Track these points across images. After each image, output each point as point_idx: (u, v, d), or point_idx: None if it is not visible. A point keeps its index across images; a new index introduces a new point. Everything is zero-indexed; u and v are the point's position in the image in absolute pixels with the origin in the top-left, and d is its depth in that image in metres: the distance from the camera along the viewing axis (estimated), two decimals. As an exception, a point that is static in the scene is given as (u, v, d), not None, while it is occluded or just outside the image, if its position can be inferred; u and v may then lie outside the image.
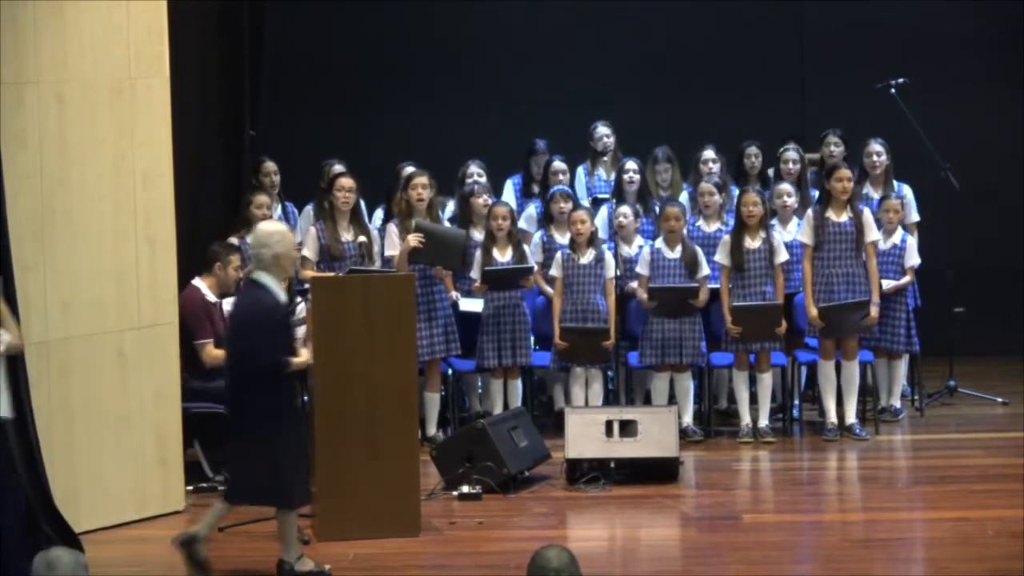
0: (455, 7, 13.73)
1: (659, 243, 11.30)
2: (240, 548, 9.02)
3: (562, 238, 11.44)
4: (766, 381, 11.27)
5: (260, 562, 8.77)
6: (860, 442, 11.15)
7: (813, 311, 11.10)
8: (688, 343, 11.21)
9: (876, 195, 11.76)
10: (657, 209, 11.58)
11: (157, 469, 9.58)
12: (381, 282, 9.53)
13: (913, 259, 11.48)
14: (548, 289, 11.41)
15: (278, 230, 8.52)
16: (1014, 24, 13.50)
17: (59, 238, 9.15)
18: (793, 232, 11.46)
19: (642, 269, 11.27)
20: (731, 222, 11.45)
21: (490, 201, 11.52)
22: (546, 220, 11.66)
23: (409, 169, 11.47)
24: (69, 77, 9.19)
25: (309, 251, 11.07)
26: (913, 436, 11.42)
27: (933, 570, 8.68)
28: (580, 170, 12.31)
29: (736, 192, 11.60)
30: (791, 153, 11.97)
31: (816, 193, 11.70)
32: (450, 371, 11.47)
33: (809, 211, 11.29)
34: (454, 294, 11.35)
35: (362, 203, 11.41)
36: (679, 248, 11.25)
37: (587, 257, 11.25)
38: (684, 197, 11.94)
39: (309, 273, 10.80)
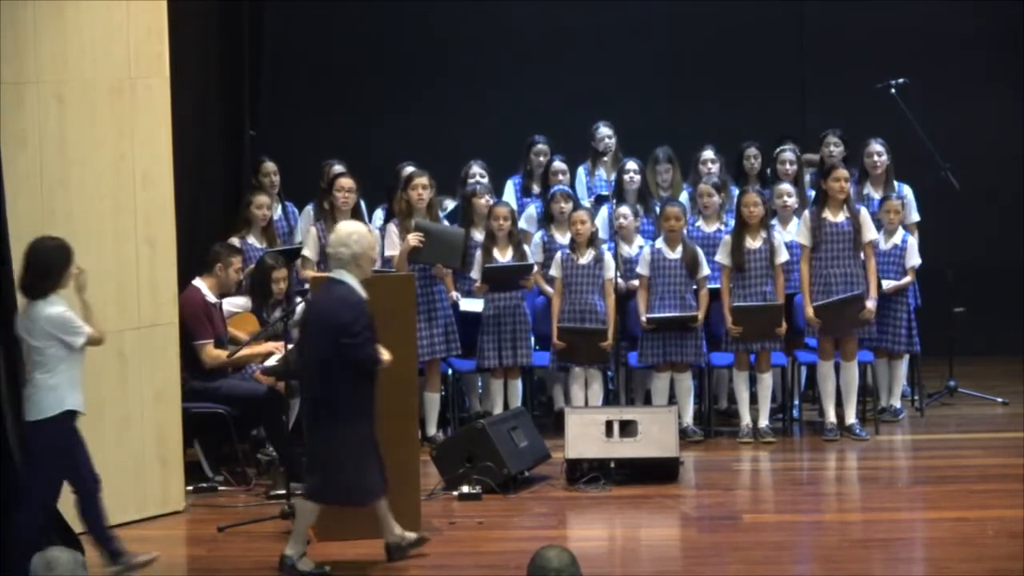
0: (455, 7, 13.73)
1: (659, 243, 11.30)
2: (240, 548, 9.03)
3: (563, 238, 11.44)
4: (766, 381, 11.27)
5: (260, 562, 8.78)
6: (860, 442, 11.15)
7: (810, 311, 11.11)
8: (688, 343, 11.21)
9: (877, 195, 11.76)
10: (657, 209, 11.58)
11: (157, 469, 9.57)
12: (381, 282, 9.51)
13: (914, 259, 11.48)
14: (548, 289, 11.41)
15: (357, 230, 8.58)
16: (1014, 24, 13.50)
17: (59, 238, 9.15)
18: (793, 232, 11.45)
19: (642, 269, 11.27)
20: (731, 222, 11.45)
21: (491, 201, 11.52)
22: (547, 220, 11.66)
23: (409, 169, 11.48)
24: (69, 77, 9.18)
25: (309, 251, 11.07)
26: (913, 436, 11.42)
27: (933, 570, 8.68)
28: (580, 170, 12.31)
29: (736, 192, 11.60)
30: (788, 154, 11.97)
31: (812, 193, 11.71)
32: (450, 371, 11.47)
33: (806, 212, 11.28)
34: (454, 294, 11.35)
35: (362, 203, 11.42)
36: (679, 248, 11.25)
37: (586, 257, 11.24)
38: (684, 197, 11.94)
39: (309, 273, 10.80)
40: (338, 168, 11.51)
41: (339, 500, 8.55)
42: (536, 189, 12.16)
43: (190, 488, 9.97)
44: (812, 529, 9.46)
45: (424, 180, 11.15)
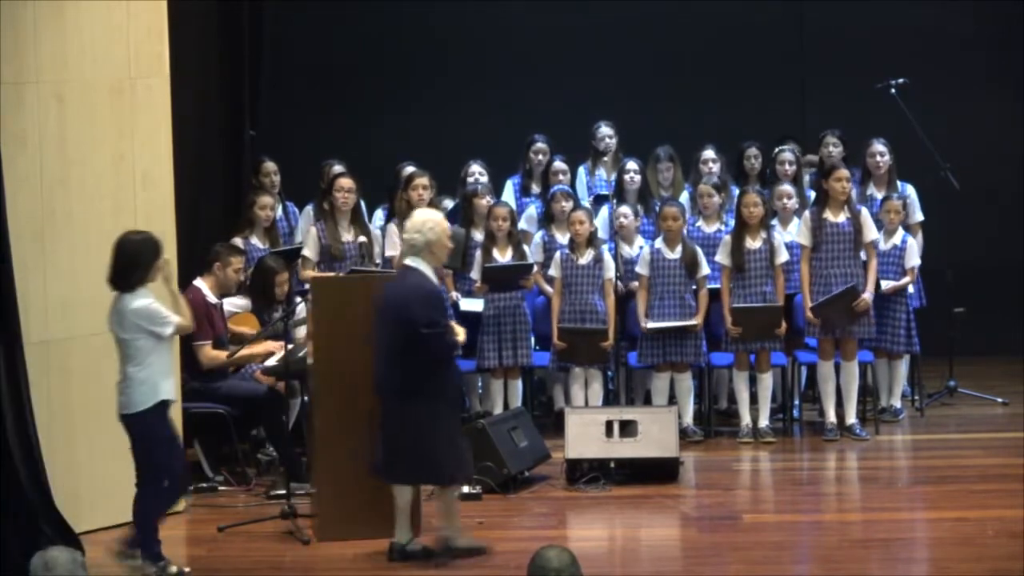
0: (455, 7, 13.73)
1: (659, 243, 11.30)
2: (240, 548, 9.03)
3: (563, 238, 11.44)
4: (766, 381, 11.27)
5: (260, 562, 8.79)
6: (860, 442, 11.15)
7: (810, 313, 11.11)
8: (688, 343, 11.21)
9: (879, 195, 11.75)
10: (657, 209, 11.58)
11: (157, 469, 9.56)
12: (381, 282, 9.52)
13: (913, 259, 11.47)
14: (548, 289, 11.41)
15: (432, 218, 8.74)
16: (1014, 24, 13.49)
17: (59, 238, 9.15)
18: (793, 233, 11.45)
19: (642, 269, 11.27)
20: (731, 222, 11.45)
21: (491, 201, 11.52)
22: (547, 220, 11.67)
23: (409, 169, 11.48)
24: (69, 77, 9.18)
25: (310, 251, 11.07)
26: (913, 436, 11.42)
27: (933, 570, 8.69)
28: (581, 170, 12.30)
29: (736, 192, 11.60)
30: (787, 154, 11.97)
31: (811, 194, 11.71)
32: (450, 371, 11.46)
33: (807, 212, 11.28)
34: (454, 294, 11.35)
35: (362, 203, 11.42)
36: (679, 248, 11.24)
37: (586, 257, 11.24)
38: (684, 197, 11.93)
39: (309, 273, 10.80)
40: (338, 168, 11.50)
41: (437, 480, 8.75)
42: (536, 189, 12.16)
43: (190, 488, 9.96)
44: (812, 529, 9.46)
45: (425, 180, 11.16)
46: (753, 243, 11.16)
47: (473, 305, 11.37)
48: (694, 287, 11.26)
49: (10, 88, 8.93)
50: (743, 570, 8.66)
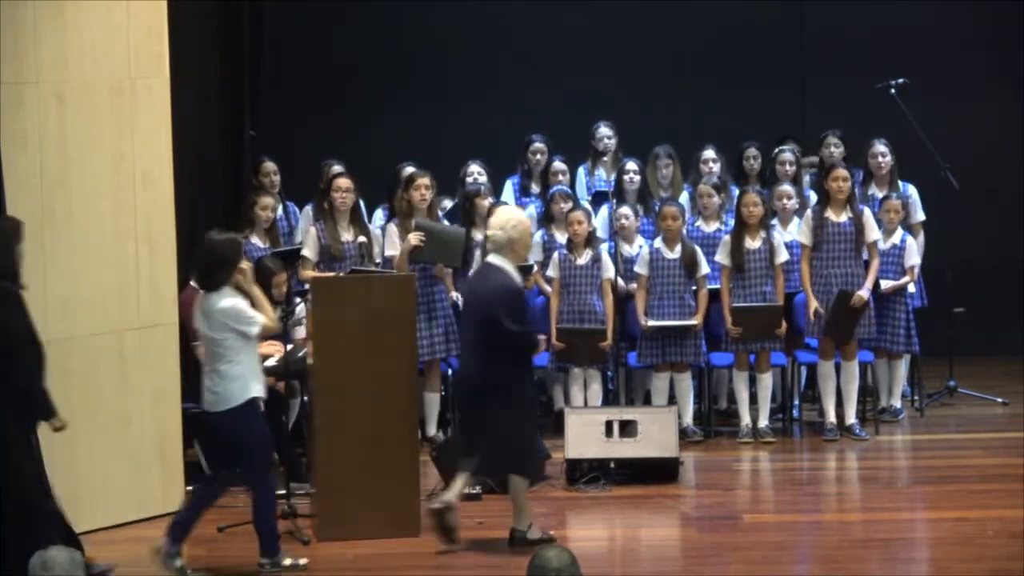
0: (455, 7, 13.72)
1: (658, 243, 11.30)
2: (240, 548, 9.02)
3: (563, 238, 11.44)
4: (766, 381, 11.27)
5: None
6: (860, 442, 11.15)
7: (813, 306, 11.09)
8: (688, 343, 11.21)
9: (881, 195, 11.75)
10: (657, 209, 11.58)
11: (157, 469, 9.58)
12: (381, 282, 9.53)
13: (913, 259, 11.47)
14: (548, 288, 11.41)
15: (515, 216, 8.94)
16: (1014, 24, 13.49)
17: (59, 238, 9.16)
18: (794, 232, 11.46)
19: (641, 269, 11.27)
20: (730, 222, 11.45)
21: (492, 201, 11.52)
22: (547, 220, 11.67)
23: (409, 169, 11.48)
24: (69, 77, 9.19)
25: (309, 251, 11.06)
26: (913, 436, 11.42)
27: (933, 570, 8.69)
28: (580, 170, 12.31)
29: (736, 192, 11.60)
30: (787, 154, 11.97)
31: (811, 194, 11.70)
32: (450, 371, 11.46)
33: (808, 212, 11.29)
34: (454, 294, 11.35)
35: (362, 203, 11.41)
36: (678, 248, 11.24)
37: (584, 258, 11.24)
38: (684, 197, 11.94)
39: (309, 273, 10.80)
40: (336, 168, 11.50)
41: (527, 471, 8.97)
42: (535, 189, 12.16)
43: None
44: (812, 529, 9.46)
45: (427, 181, 11.16)
46: (753, 243, 11.16)
47: (473, 305, 11.36)
48: (693, 287, 11.26)
49: (10, 88, 8.93)
50: (743, 570, 8.66)
